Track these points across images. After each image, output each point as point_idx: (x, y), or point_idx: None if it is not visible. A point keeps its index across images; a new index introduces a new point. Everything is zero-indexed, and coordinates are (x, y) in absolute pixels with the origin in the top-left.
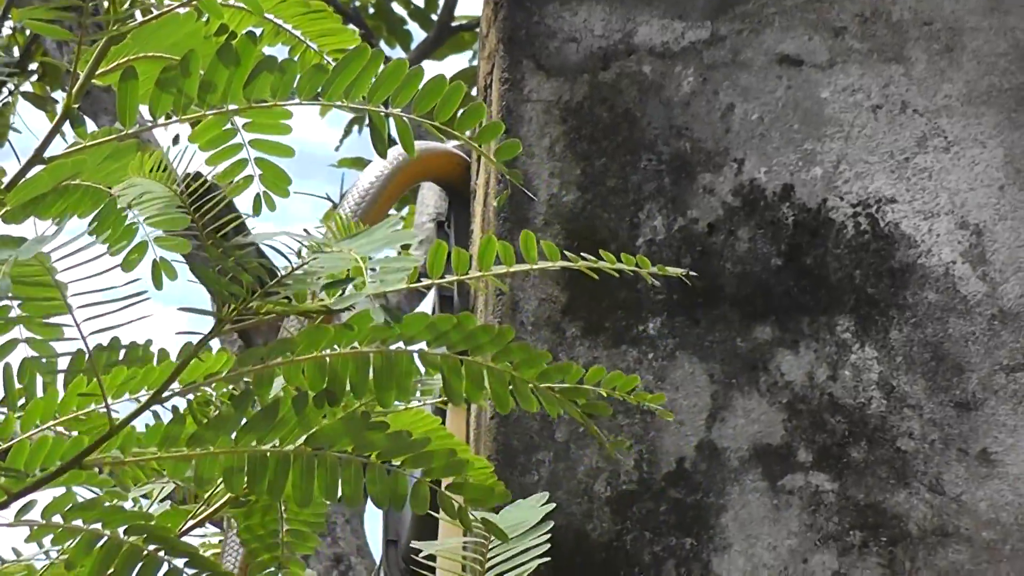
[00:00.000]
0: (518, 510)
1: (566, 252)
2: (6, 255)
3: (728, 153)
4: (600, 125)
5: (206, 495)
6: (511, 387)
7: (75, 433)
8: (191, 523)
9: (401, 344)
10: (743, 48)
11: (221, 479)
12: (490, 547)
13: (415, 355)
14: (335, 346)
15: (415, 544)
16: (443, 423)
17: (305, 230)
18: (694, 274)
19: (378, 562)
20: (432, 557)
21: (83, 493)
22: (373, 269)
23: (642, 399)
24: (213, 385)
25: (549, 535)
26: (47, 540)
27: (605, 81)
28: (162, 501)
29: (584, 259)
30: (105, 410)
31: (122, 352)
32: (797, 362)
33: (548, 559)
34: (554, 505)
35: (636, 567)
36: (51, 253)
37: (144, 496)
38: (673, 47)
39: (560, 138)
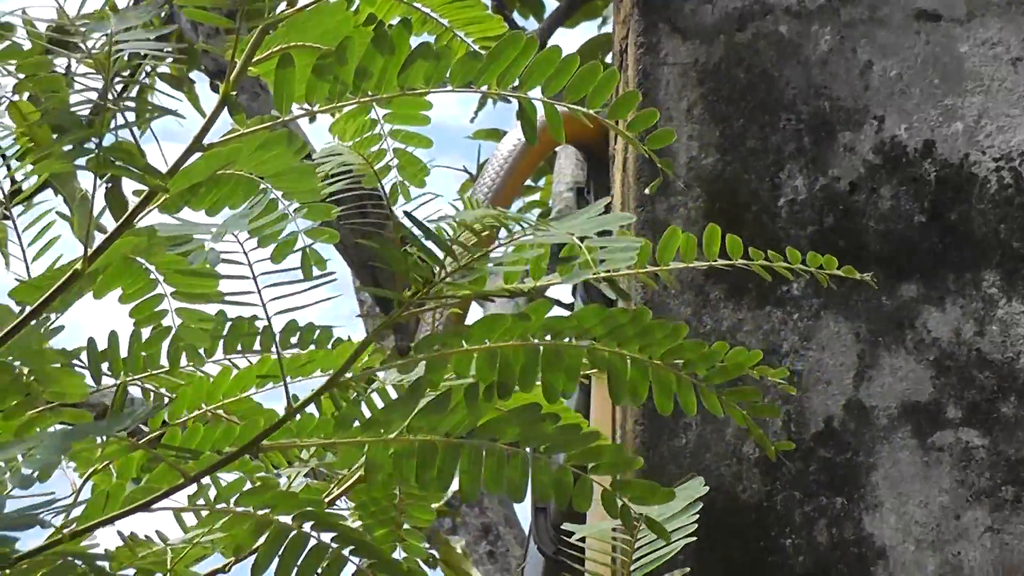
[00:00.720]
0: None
1: (749, 249)
2: (202, 234)
3: (868, 111)
4: (738, 86)
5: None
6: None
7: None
8: (327, 500)
9: (572, 337)
10: (880, 4)
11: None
12: (640, 527)
13: (585, 352)
14: (508, 337)
15: (566, 527)
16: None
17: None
18: (876, 280)
19: (527, 530)
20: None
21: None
22: (601, 247)
23: (764, 373)
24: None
25: (697, 517)
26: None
27: (741, 42)
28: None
29: (767, 259)
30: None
31: (296, 335)
32: (943, 319)
33: (695, 537)
34: (707, 490)
35: (787, 527)
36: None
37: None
38: (809, 5)
39: (698, 101)
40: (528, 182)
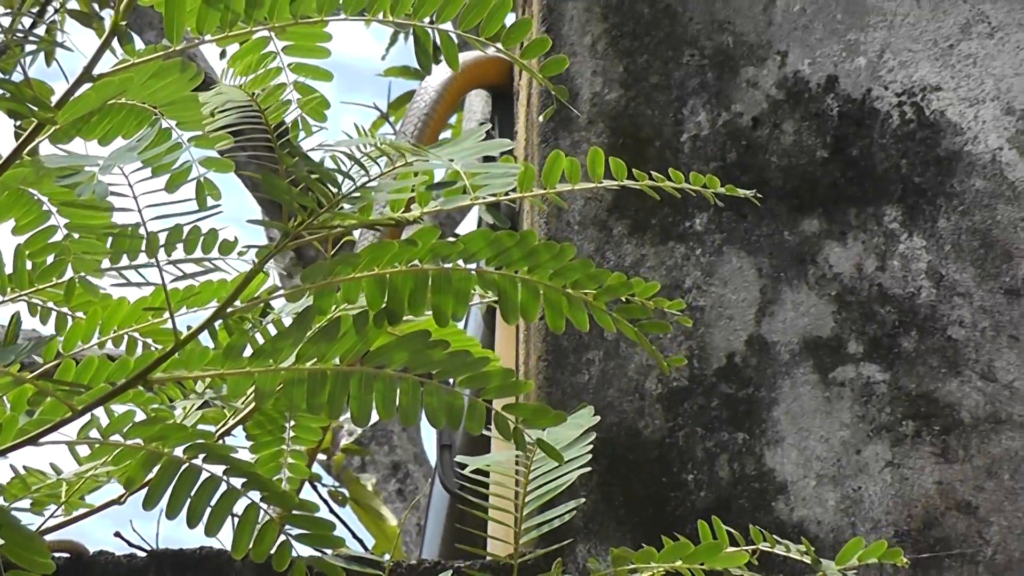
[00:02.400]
0: (563, 428)
1: (633, 171)
2: (88, 163)
3: (771, 46)
4: (642, 21)
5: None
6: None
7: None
8: (220, 431)
9: (460, 261)
10: None
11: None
12: (534, 459)
13: (473, 273)
14: (396, 263)
15: (460, 459)
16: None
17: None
18: (760, 196)
19: (434, 467)
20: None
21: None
22: (477, 174)
23: (660, 304)
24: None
25: (591, 447)
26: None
27: None
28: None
29: (651, 178)
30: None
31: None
32: (845, 254)
33: (590, 469)
34: (597, 419)
35: (689, 463)
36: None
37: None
38: None
39: (601, 36)
40: None
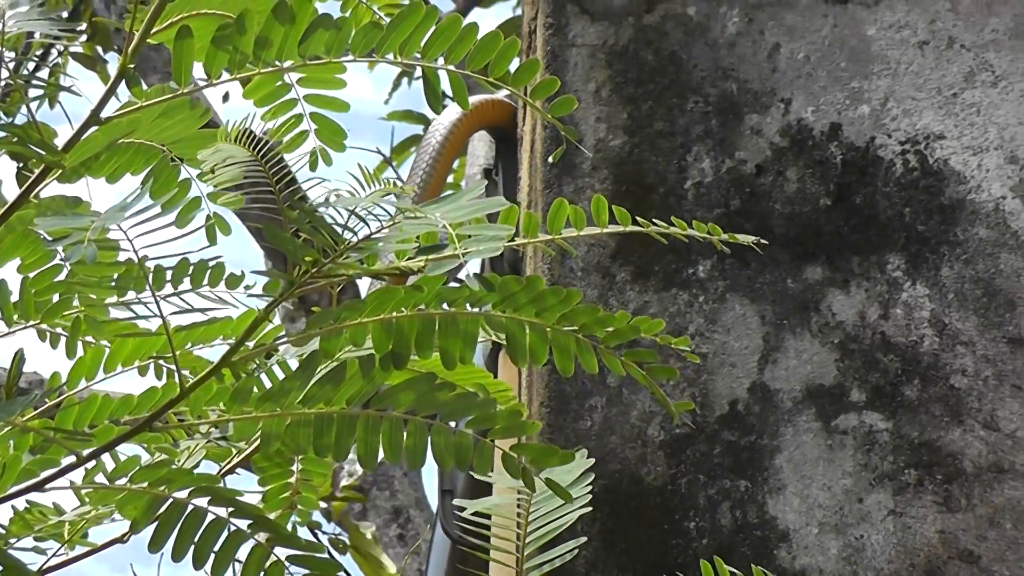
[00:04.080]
0: (562, 471)
1: (638, 219)
2: (86, 222)
3: (775, 93)
4: (646, 68)
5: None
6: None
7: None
8: (225, 468)
9: (467, 306)
10: None
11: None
12: (533, 501)
13: (481, 318)
14: (402, 308)
15: (459, 502)
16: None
17: (391, 192)
18: (764, 242)
19: (435, 512)
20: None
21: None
22: (468, 236)
23: (667, 342)
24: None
25: (591, 488)
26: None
27: (650, 24)
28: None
29: (655, 224)
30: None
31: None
32: (848, 302)
33: (590, 509)
34: (593, 461)
35: (691, 510)
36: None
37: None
38: None
39: (606, 82)
40: None
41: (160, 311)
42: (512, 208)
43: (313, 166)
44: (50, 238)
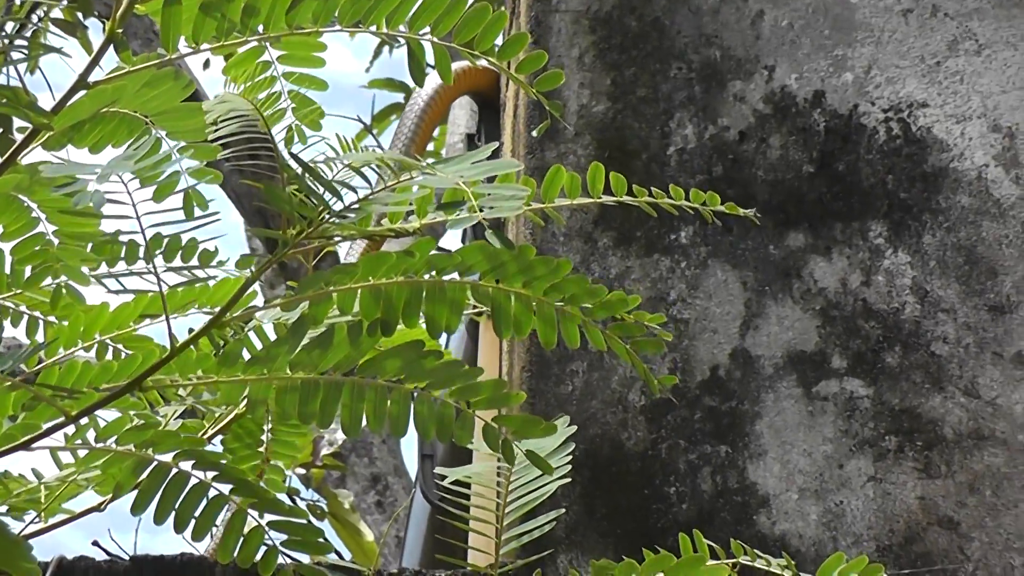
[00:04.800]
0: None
1: (634, 187)
2: (92, 169)
3: (758, 60)
4: (629, 34)
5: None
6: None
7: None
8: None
9: (456, 274)
10: None
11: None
12: (515, 469)
13: (468, 287)
14: (392, 274)
15: (441, 470)
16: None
17: (381, 158)
18: (759, 215)
19: (414, 476)
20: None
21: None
22: (486, 195)
23: (641, 318)
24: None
25: (571, 457)
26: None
27: None
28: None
29: (650, 195)
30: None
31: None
32: (830, 268)
33: (571, 479)
34: (574, 429)
35: (672, 475)
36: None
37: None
38: None
39: (589, 48)
40: None
41: (159, 283)
42: (514, 172)
43: (289, 143)
44: (34, 204)
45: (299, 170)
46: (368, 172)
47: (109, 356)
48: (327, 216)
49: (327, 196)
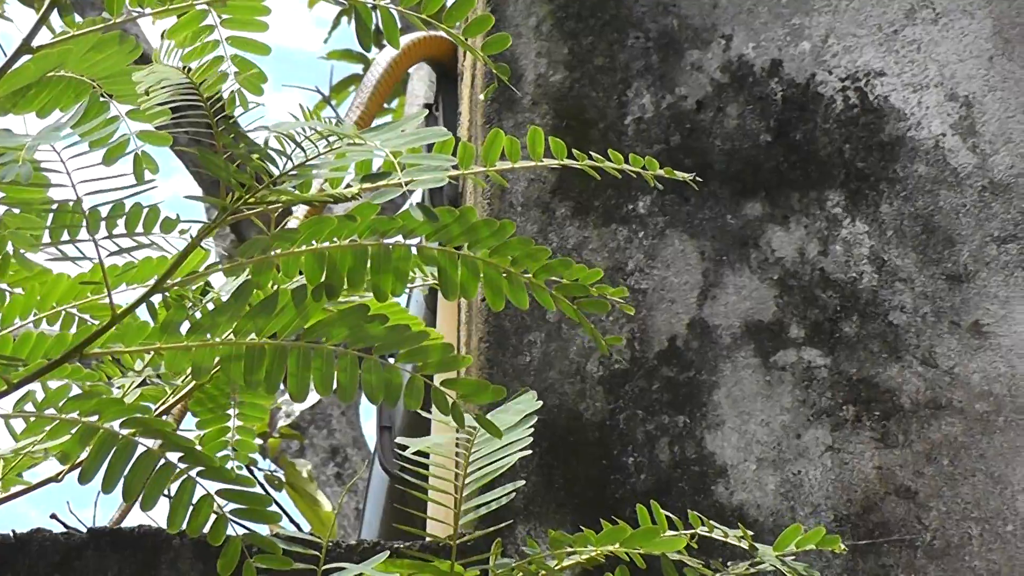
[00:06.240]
0: (505, 413)
1: (574, 151)
2: (20, 141)
3: (716, 29)
4: (587, 3)
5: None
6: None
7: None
8: (160, 409)
9: (400, 237)
10: None
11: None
12: (475, 441)
13: (412, 248)
14: (335, 239)
15: (400, 440)
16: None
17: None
18: (700, 180)
19: (373, 448)
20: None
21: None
22: (411, 164)
23: (603, 291)
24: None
25: (532, 430)
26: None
27: None
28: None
29: (591, 158)
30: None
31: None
32: (788, 238)
33: (531, 451)
34: (540, 404)
35: (630, 445)
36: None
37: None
38: None
39: (547, 17)
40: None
41: (97, 252)
42: (448, 140)
43: (231, 108)
44: None
45: (233, 137)
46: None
47: (74, 327)
48: (265, 182)
49: (266, 163)
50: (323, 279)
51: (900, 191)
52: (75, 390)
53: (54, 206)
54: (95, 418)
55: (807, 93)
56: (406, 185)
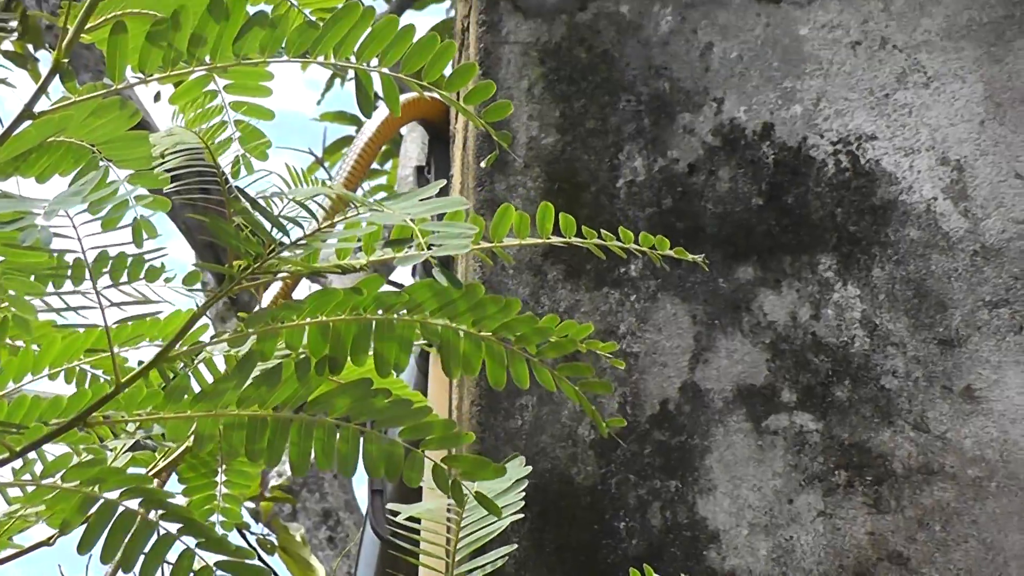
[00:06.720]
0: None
1: (583, 228)
2: (37, 206)
3: (707, 92)
4: (578, 66)
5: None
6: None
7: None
8: (151, 472)
9: (405, 311)
10: None
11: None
12: (466, 507)
13: (418, 325)
14: (340, 311)
15: (392, 506)
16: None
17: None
18: (707, 261)
19: (365, 513)
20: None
21: (59, 450)
22: (433, 232)
23: (593, 347)
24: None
25: (523, 495)
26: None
27: (583, 22)
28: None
29: (600, 238)
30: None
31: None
32: (780, 302)
33: (522, 515)
34: (529, 469)
35: (621, 510)
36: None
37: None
38: None
39: (538, 80)
40: (375, 165)
41: (103, 316)
42: (461, 210)
43: (235, 173)
44: None
45: (246, 204)
46: (314, 206)
47: (61, 385)
48: (275, 250)
49: (275, 232)
50: (327, 351)
51: (892, 255)
52: (73, 457)
53: (68, 272)
54: (96, 487)
55: (799, 156)
56: (431, 253)
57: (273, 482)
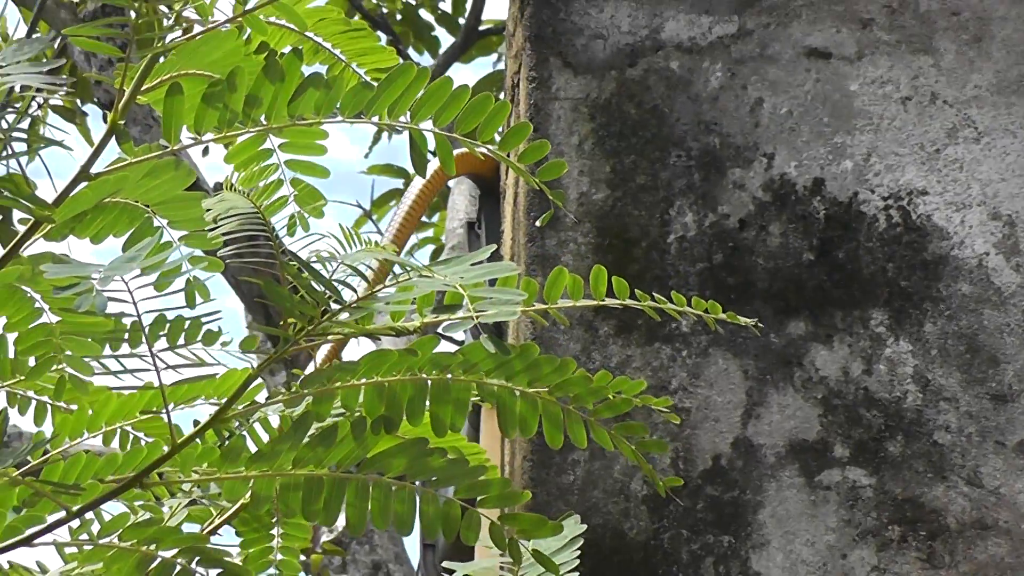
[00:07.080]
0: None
1: (635, 291)
2: (92, 271)
3: (758, 148)
4: (628, 122)
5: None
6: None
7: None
8: (207, 529)
9: (460, 371)
10: (771, 42)
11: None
12: (521, 565)
13: (473, 385)
14: (395, 372)
15: (447, 564)
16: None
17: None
18: (759, 316)
19: (416, 567)
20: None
21: (116, 509)
22: (486, 298)
23: (648, 402)
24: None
25: (579, 553)
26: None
27: (633, 78)
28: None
29: (652, 296)
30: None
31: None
32: (831, 357)
33: (577, 573)
34: (584, 528)
35: (674, 565)
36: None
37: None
38: (700, 42)
39: (589, 136)
40: (423, 218)
41: (158, 377)
42: (513, 275)
43: (291, 231)
44: (38, 295)
45: (298, 268)
46: (364, 267)
47: (115, 444)
48: (330, 313)
49: (327, 293)
50: (383, 411)
51: (944, 310)
52: (122, 508)
53: (125, 335)
54: (153, 546)
55: (850, 212)
56: (479, 319)
57: (324, 537)
